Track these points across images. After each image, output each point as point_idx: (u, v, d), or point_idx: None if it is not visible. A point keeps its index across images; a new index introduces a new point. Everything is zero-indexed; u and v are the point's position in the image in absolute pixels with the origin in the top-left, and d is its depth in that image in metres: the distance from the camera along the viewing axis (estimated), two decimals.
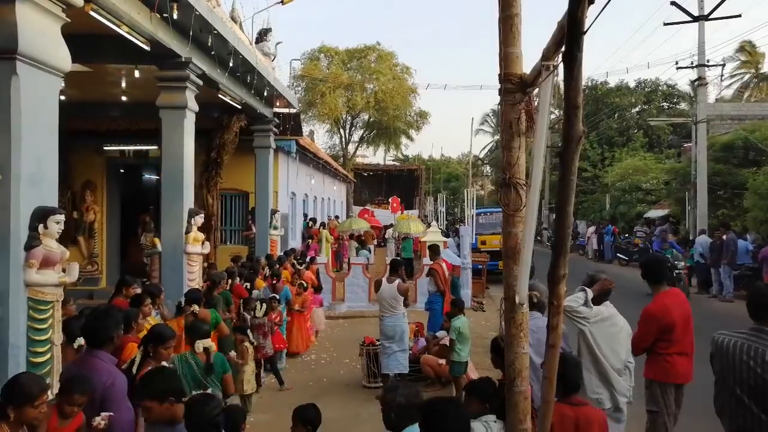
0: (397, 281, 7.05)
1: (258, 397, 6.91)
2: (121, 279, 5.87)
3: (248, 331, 6.46)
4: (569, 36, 1.75)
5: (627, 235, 23.60)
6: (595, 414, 3.13)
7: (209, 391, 4.07)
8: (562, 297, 2.15)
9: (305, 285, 9.33)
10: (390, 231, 19.37)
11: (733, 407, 2.97)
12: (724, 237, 13.67)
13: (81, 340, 3.84)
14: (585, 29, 1.74)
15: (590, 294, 3.95)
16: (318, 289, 10.56)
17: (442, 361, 7.07)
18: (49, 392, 2.96)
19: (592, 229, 25.33)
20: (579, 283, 4.13)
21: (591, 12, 1.79)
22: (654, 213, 24.60)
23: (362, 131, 37.93)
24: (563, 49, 1.82)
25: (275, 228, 11.89)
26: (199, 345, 4.33)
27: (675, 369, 4.19)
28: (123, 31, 5.85)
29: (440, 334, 7.45)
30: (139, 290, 5.57)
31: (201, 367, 4.27)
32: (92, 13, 5.16)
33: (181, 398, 2.86)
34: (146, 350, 3.85)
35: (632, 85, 34.59)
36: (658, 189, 25.40)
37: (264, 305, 7.22)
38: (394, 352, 6.94)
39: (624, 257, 21.08)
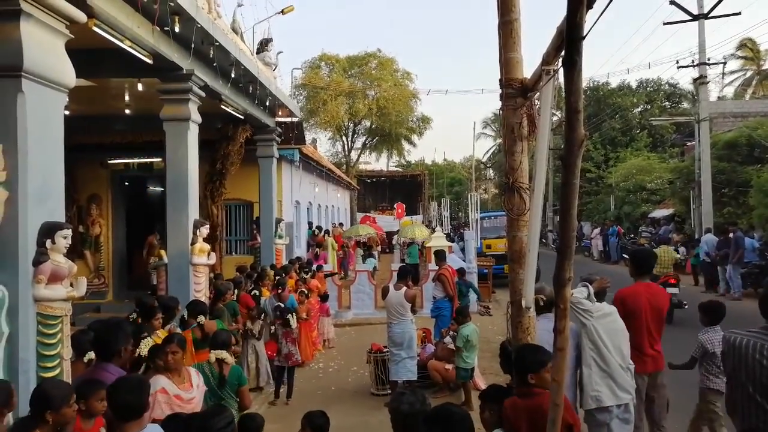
0: (404, 288, 7.06)
1: (267, 407, 6.93)
2: (145, 306, 5.48)
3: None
4: (568, 41, 1.76)
5: (632, 235, 23.46)
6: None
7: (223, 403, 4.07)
8: (568, 300, 2.15)
9: (306, 293, 9.32)
10: (396, 237, 19.38)
11: (745, 406, 2.96)
12: (731, 235, 13.64)
13: (91, 354, 3.85)
14: (584, 34, 1.75)
15: (592, 289, 4.09)
16: (324, 297, 10.54)
17: (449, 366, 7.05)
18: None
19: (597, 230, 25.25)
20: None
21: (590, 17, 1.81)
22: (659, 213, 24.50)
23: (364, 138, 38.03)
24: (563, 53, 1.84)
25: (280, 237, 11.91)
26: (212, 355, 4.32)
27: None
28: (125, 46, 5.89)
29: (447, 340, 7.44)
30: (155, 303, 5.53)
31: (216, 378, 4.25)
32: (95, 29, 5.20)
33: (128, 418, 2.79)
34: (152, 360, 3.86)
35: (634, 85, 34.61)
36: (663, 188, 25.31)
37: (294, 315, 7.23)
38: (403, 359, 6.92)
39: None
